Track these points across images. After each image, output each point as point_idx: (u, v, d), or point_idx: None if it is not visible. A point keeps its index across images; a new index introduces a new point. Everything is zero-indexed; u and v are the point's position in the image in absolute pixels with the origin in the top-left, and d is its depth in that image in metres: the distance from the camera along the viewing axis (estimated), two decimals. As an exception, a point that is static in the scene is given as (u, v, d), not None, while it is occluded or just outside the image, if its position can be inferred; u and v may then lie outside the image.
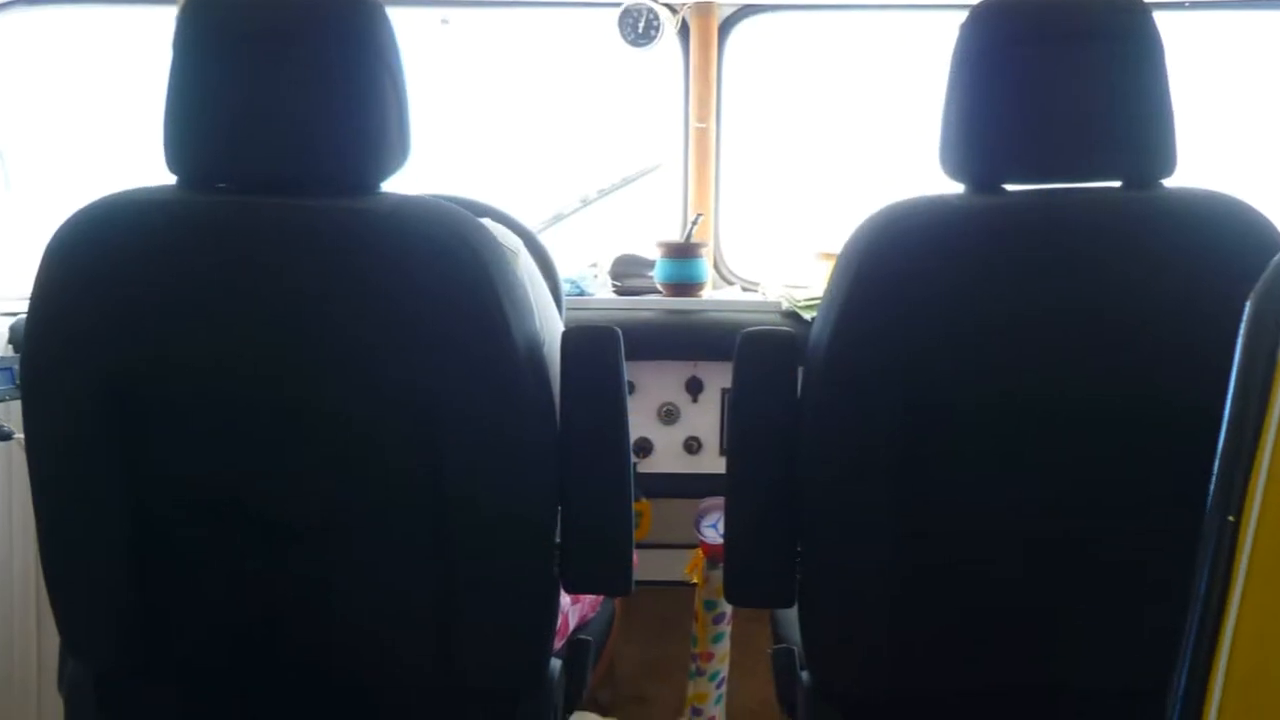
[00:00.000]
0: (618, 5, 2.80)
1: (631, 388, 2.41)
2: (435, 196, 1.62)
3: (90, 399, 1.57)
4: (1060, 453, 1.57)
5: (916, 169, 1.96)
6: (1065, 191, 1.62)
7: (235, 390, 1.58)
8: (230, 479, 1.61)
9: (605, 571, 1.73)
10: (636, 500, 2.10)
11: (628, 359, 1.69)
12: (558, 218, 2.87)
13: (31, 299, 1.59)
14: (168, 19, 1.67)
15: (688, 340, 2.47)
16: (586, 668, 1.95)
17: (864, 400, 1.57)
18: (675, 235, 2.90)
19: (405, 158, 1.61)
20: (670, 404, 2.48)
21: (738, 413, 1.71)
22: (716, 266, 3.03)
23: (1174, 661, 0.95)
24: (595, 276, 2.74)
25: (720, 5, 2.93)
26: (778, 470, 1.66)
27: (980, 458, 1.58)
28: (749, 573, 1.75)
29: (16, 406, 1.74)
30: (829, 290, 1.63)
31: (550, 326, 1.73)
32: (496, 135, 3.09)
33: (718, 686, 2.87)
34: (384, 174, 1.60)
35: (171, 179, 1.62)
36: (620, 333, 1.66)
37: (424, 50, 2.88)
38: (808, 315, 2.42)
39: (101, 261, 1.56)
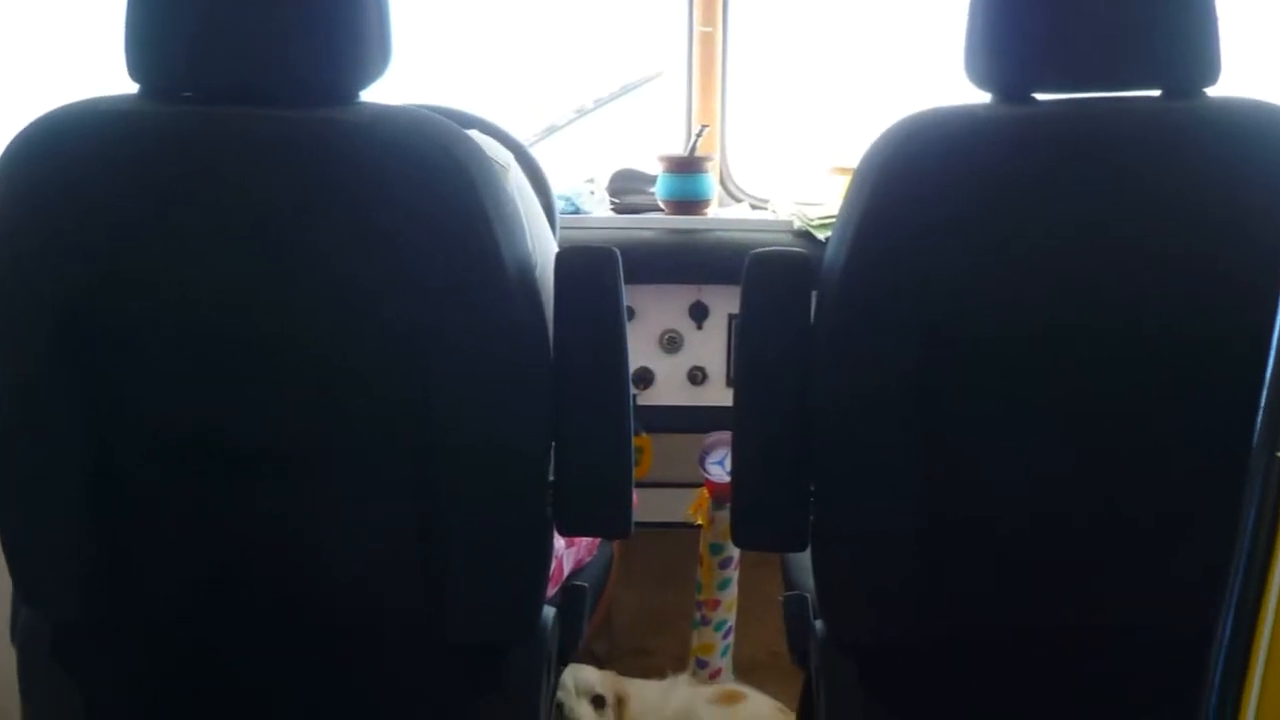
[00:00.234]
0: (616, -104, 2.78)
1: (631, 314, 2.41)
2: (419, 107, 1.62)
3: (45, 326, 1.56)
4: (1091, 384, 1.58)
5: (940, 77, 1.95)
6: (1100, 101, 1.61)
7: (201, 317, 1.57)
8: (198, 414, 1.61)
9: (602, 512, 1.74)
10: (636, 435, 2.10)
11: (627, 282, 1.69)
12: (551, 130, 2.85)
13: (-21, 215, 1.59)
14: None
15: (692, 262, 2.47)
16: (582, 617, 1.96)
17: (882, 326, 1.57)
18: (678, 149, 2.89)
19: (386, 64, 1.60)
20: (673, 331, 2.48)
21: (746, 340, 1.71)
22: (723, 182, 3.02)
23: (1216, 600, 0.97)
24: (592, 193, 2.73)
25: (728, -104, 2.91)
26: (789, 402, 1.67)
27: (1005, 389, 1.58)
28: (758, 513, 1.76)
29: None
30: (844, 208, 1.62)
31: (543, 247, 1.73)
32: (485, 40, 3.07)
33: (724, 637, 2.90)
34: (363, 82, 1.59)
35: (133, 87, 1.61)
36: (619, 254, 1.66)
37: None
38: (821, 235, 2.41)
39: (56, 175, 1.56)
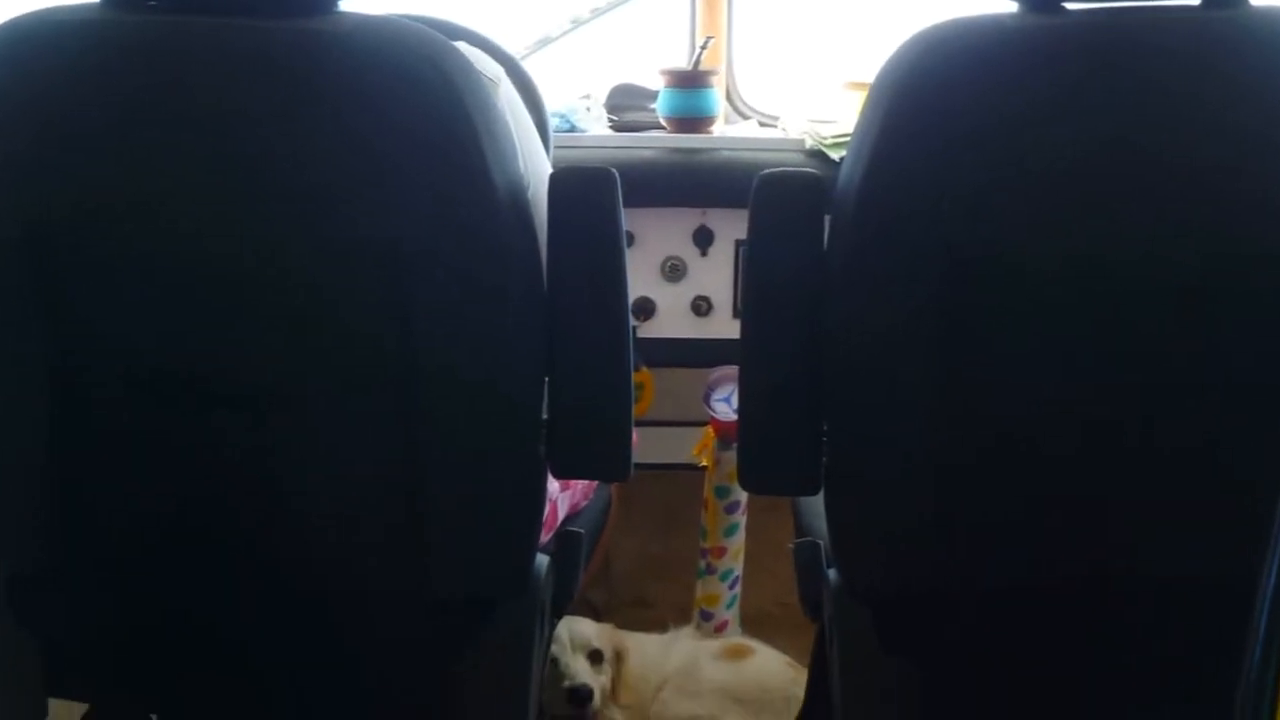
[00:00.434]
0: None
1: (630, 239, 2.40)
2: (402, 17, 1.61)
3: (1, 251, 1.57)
4: (1124, 318, 1.57)
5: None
6: (1134, 9, 1.59)
7: (168, 240, 1.56)
8: (164, 346, 1.61)
9: (600, 453, 1.74)
10: (636, 370, 2.10)
11: (626, 206, 1.68)
12: (544, 42, 2.84)
13: (-69, 134, 1.58)
14: None
15: (696, 184, 2.46)
16: (578, 565, 1.97)
17: (900, 251, 1.56)
18: (681, 62, 2.88)
19: (366, -31, 1.59)
20: (675, 258, 2.48)
21: (754, 267, 1.71)
22: (729, 98, 3.01)
23: (1259, 546, 0.96)
24: (588, 110, 2.72)
25: None
26: (801, 334, 1.66)
27: (1030, 318, 1.58)
28: (767, 454, 1.76)
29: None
30: (860, 125, 1.61)
31: (536, 168, 1.72)
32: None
33: (730, 587, 2.91)
34: (341, -12, 1.58)
35: (96, -4, 1.60)
36: (617, 175, 1.65)
37: None
38: (835, 155, 2.41)
39: (12, 89, 1.55)
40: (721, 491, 2.81)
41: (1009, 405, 1.60)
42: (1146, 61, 1.55)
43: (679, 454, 2.87)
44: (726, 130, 2.80)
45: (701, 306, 2.49)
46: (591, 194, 1.64)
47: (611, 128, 2.74)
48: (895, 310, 1.57)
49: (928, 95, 1.55)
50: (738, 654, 2.71)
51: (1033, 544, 1.67)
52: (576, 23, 2.85)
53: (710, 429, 2.73)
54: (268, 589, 1.72)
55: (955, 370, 1.58)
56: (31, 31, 1.56)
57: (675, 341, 2.52)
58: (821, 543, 1.89)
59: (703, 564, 2.92)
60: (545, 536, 1.95)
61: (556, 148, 2.36)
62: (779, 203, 1.68)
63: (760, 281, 1.70)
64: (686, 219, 2.47)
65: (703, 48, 2.71)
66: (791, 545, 1.98)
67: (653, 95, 2.70)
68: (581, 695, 2.47)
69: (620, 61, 2.89)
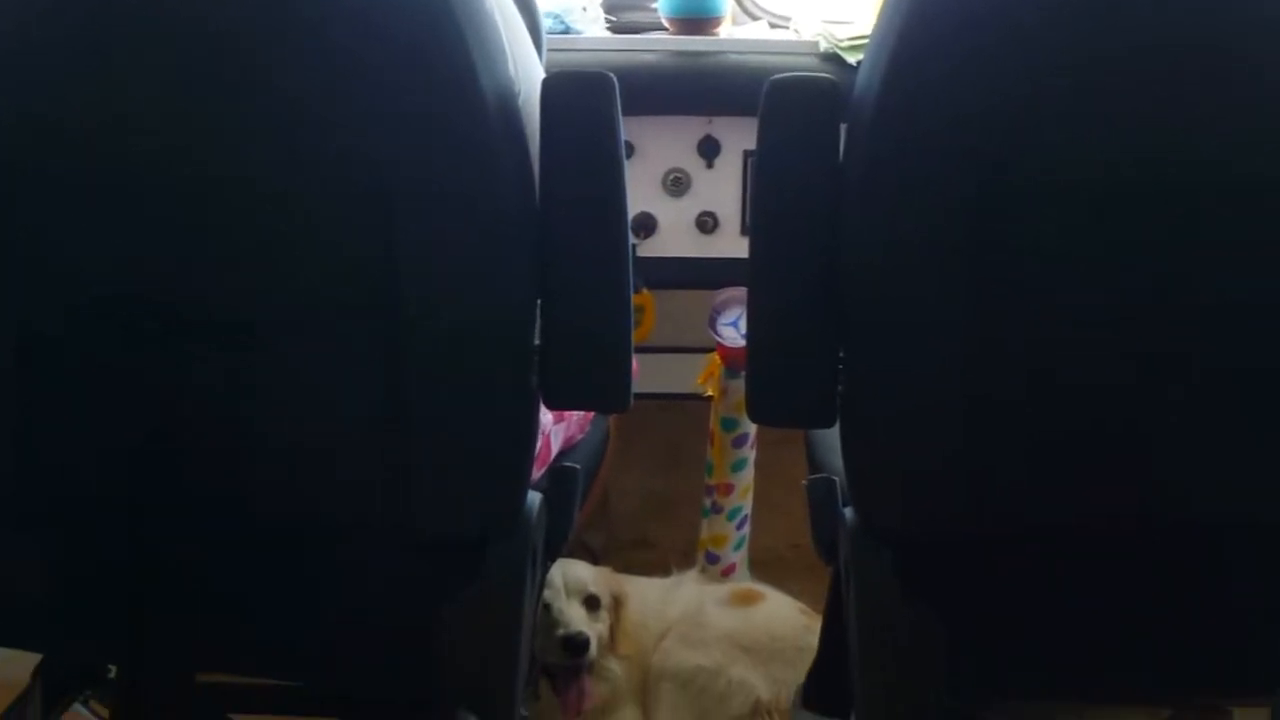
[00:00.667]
0: None
1: (630, 150, 2.40)
2: None
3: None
4: (1173, 240, 1.56)
5: None
6: None
7: (139, 159, 1.57)
8: (132, 271, 1.61)
9: (596, 382, 1.75)
10: (636, 292, 2.10)
11: (625, 114, 1.67)
12: (535, -66, 2.82)
13: None
14: None
15: (701, 90, 2.45)
16: (573, 503, 1.97)
17: (923, 167, 1.55)
18: (685, -46, 2.86)
19: None
20: (679, 171, 2.48)
21: (764, 180, 1.70)
22: (738, -4, 3.00)
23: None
24: (584, 9, 2.71)
25: None
26: (815, 252, 1.66)
27: (1070, 244, 1.57)
28: (778, 383, 1.76)
29: None
30: (877, 29, 1.60)
31: (527, 72, 1.72)
32: None
33: (738, 527, 2.92)
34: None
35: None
36: (615, 80, 1.65)
37: None
38: (852, 59, 2.40)
39: None
40: (728, 424, 2.82)
41: (1043, 333, 1.60)
42: None
43: (682, 383, 2.88)
44: (734, 32, 2.78)
45: (707, 223, 2.49)
46: (587, 101, 1.64)
47: (609, 29, 2.73)
48: (917, 228, 1.57)
49: None
50: (746, 600, 2.73)
51: (1070, 484, 1.67)
52: (571, -87, 2.83)
53: (716, 355, 2.73)
54: (240, 530, 1.73)
55: (984, 294, 1.57)
56: None
57: (678, 261, 2.52)
58: (837, 479, 1.90)
59: (708, 502, 2.93)
60: (537, 472, 1.96)
61: (550, 51, 2.35)
62: (791, 110, 1.67)
63: (770, 195, 1.70)
64: (690, 128, 2.46)
65: (708, -61, 2.69)
66: (804, 482, 1.98)
67: (654, -8, 2.69)
68: (576, 644, 2.47)
69: (618, -45, 2.86)
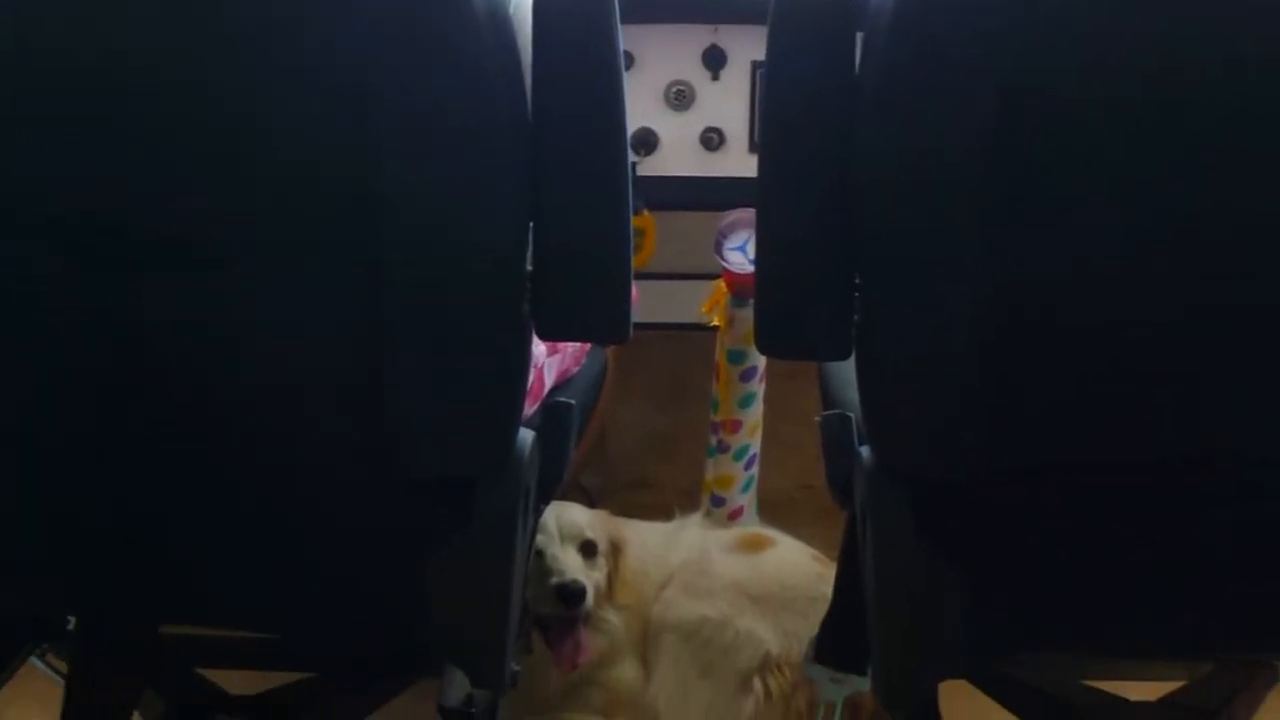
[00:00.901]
0: None
1: (629, 60, 2.40)
2: None
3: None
4: (1205, 160, 1.56)
5: None
6: None
7: (90, 73, 1.56)
8: (86, 192, 1.61)
9: (593, 311, 1.75)
10: (636, 213, 2.10)
11: (624, 21, 1.67)
12: None
13: None
14: None
15: (705, -6, 2.45)
16: (568, 441, 1.99)
17: (943, 79, 1.55)
18: None
19: None
20: (682, 83, 2.47)
21: (774, 93, 1.70)
22: (746, -110, 2.98)
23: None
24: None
25: None
26: (828, 171, 1.66)
27: (1105, 166, 1.57)
28: (788, 312, 1.76)
29: None
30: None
31: (518, -24, 1.72)
32: None
33: (746, 467, 2.93)
34: None
35: None
36: (613, -16, 1.65)
37: None
38: (871, -41, 2.39)
39: None
40: (735, 356, 2.82)
41: (1067, 263, 1.60)
42: None
43: (686, 312, 2.88)
44: (742, -71, 2.77)
45: (712, 139, 2.49)
46: (583, 7, 1.64)
47: (606, -74, 2.72)
48: (935, 145, 1.56)
49: None
50: (755, 545, 2.73)
51: (1097, 422, 1.67)
52: None
53: (722, 282, 2.73)
54: (208, 471, 1.74)
55: (1004, 219, 1.57)
56: None
57: (681, 180, 2.52)
58: (852, 416, 1.91)
59: (713, 440, 2.94)
60: (529, 409, 1.97)
61: (541, -50, 2.34)
62: (803, 17, 1.67)
63: (781, 109, 1.70)
64: (695, 37, 2.46)
65: None
66: (817, 418, 1.99)
67: (655, -114, 2.67)
68: (572, 593, 2.46)
69: None
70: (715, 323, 2.81)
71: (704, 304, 2.82)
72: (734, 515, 2.96)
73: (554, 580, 2.47)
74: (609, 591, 2.60)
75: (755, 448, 2.93)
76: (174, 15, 1.55)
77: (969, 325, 1.61)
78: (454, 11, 1.52)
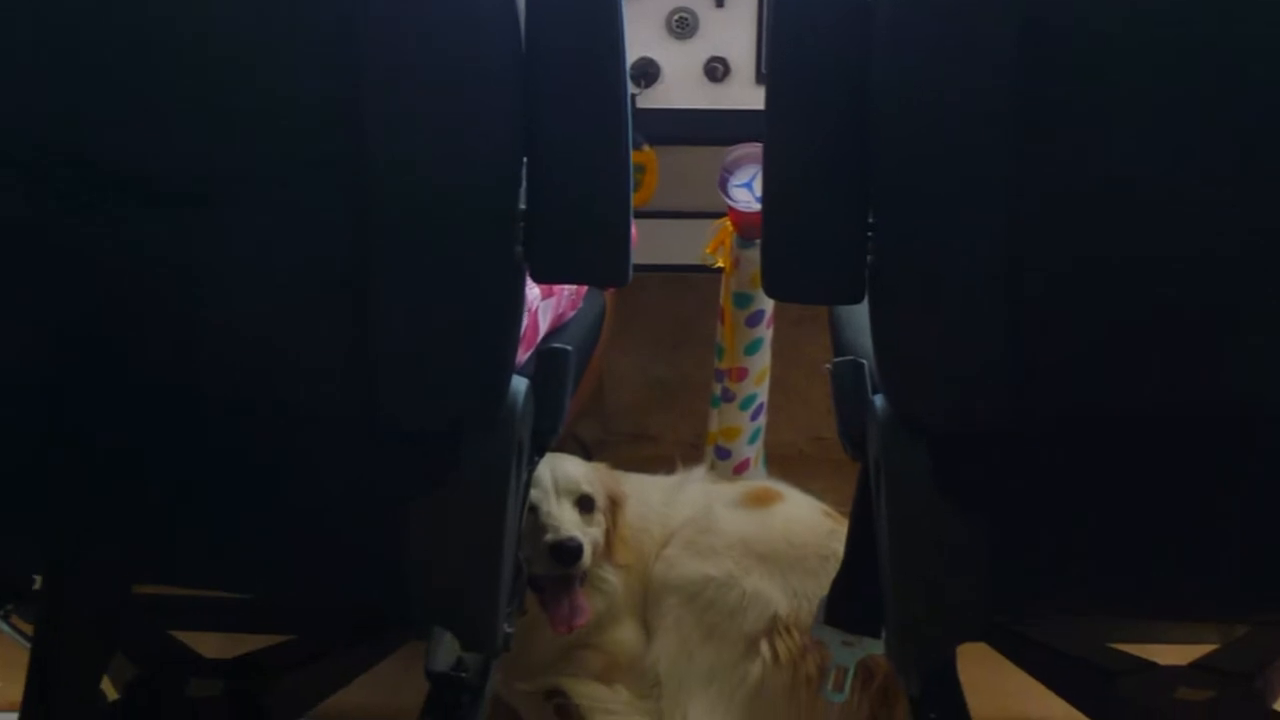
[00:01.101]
0: None
1: (628, -15, 2.40)
2: None
3: None
4: (1239, 83, 1.56)
5: None
6: None
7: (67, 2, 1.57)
8: (62, 124, 1.61)
9: (590, 252, 1.75)
10: (636, 149, 2.10)
11: (622, -60, 1.67)
12: None
13: None
14: None
15: (711, -87, 2.44)
16: (563, 390, 1.99)
17: (963, 7, 1.55)
18: None
19: None
20: (684, 10, 2.47)
21: (783, 20, 1.70)
22: None
23: None
24: None
25: None
26: (841, 102, 1.65)
27: (1142, 87, 1.57)
28: (798, 253, 1.76)
29: None
30: None
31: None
32: None
33: (753, 417, 2.94)
34: None
35: None
36: (611, -98, 1.65)
37: None
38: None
39: None
40: (741, 299, 2.82)
41: (1107, 193, 1.59)
42: None
43: (689, 253, 2.88)
44: None
45: (717, 70, 2.49)
46: (579, -74, 1.64)
47: None
48: (955, 77, 1.56)
49: None
50: (762, 500, 2.73)
51: (1133, 369, 1.67)
52: None
53: (727, 221, 2.73)
54: (184, 419, 1.74)
55: (1036, 149, 1.57)
56: None
57: (685, 113, 2.52)
58: (866, 363, 1.91)
59: (718, 389, 2.94)
60: (522, 355, 1.97)
61: None
62: (814, -63, 1.67)
63: (790, 37, 1.69)
64: (699, -42, 2.45)
65: None
66: (828, 366, 1.99)
67: None
68: (568, 551, 2.46)
69: None
70: (720, 264, 2.81)
71: (708, 244, 2.81)
72: (740, 469, 2.97)
73: (549, 538, 2.47)
74: (607, 550, 2.60)
75: (762, 397, 2.94)
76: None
77: (992, 264, 1.61)
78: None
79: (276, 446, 1.78)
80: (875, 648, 2.15)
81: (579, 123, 1.67)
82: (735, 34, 2.47)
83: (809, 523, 2.67)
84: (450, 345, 1.69)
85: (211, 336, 1.69)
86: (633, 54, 2.22)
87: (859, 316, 1.87)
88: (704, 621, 2.55)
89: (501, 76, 1.60)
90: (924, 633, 1.83)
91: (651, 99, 2.49)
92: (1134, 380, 1.68)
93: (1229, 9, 1.52)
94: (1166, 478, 1.74)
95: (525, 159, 1.66)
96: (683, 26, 2.47)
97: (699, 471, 2.89)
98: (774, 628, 2.51)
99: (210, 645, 2.17)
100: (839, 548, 2.25)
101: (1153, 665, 2.10)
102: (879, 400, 1.81)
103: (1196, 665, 2.13)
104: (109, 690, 2.12)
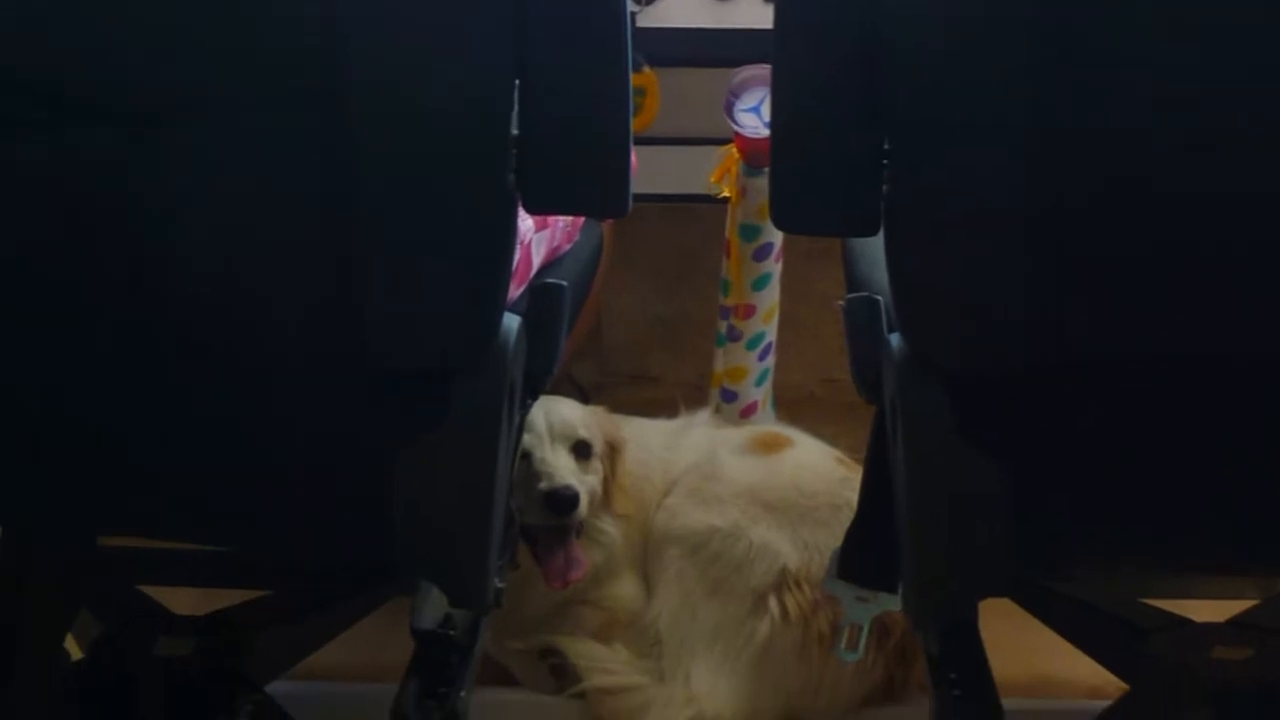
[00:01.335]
0: None
1: (627, -107, 2.39)
2: None
3: None
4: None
5: None
6: None
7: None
8: (36, 51, 1.62)
9: (587, 180, 1.75)
10: (636, 70, 2.09)
11: None
12: None
13: None
14: None
15: None
16: (559, 329, 1.98)
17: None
18: None
19: None
20: (688, -81, 2.47)
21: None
22: None
23: None
24: None
25: None
26: (854, 20, 1.65)
27: (1176, 21, 1.57)
28: (809, 181, 1.76)
29: None
30: None
31: None
32: None
33: (760, 357, 2.94)
34: None
35: None
36: None
37: None
38: None
39: None
40: (748, 231, 2.82)
41: (1140, 122, 1.59)
42: None
43: (693, 182, 2.88)
44: None
45: (722, -16, 2.48)
46: None
47: None
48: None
49: None
50: (770, 446, 2.74)
51: (1166, 306, 1.66)
52: None
53: (734, 148, 2.73)
54: (153, 360, 1.74)
55: (1066, 70, 1.57)
56: None
57: (688, 33, 2.52)
58: (881, 299, 1.91)
59: (724, 327, 2.95)
60: (515, 291, 1.97)
61: None
62: None
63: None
64: None
65: None
66: (841, 302, 1.99)
67: None
68: (563, 500, 2.47)
69: None
70: (725, 194, 2.81)
71: (713, 173, 2.81)
72: (747, 412, 2.97)
73: (543, 486, 2.47)
74: (605, 499, 2.61)
75: (771, 336, 2.94)
76: None
77: (1017, 194, 1.61)
78: None
79: (252, 390, 1.77)
80: (891, 603, 2.15)
81: (575, 42, 1.67)
82: (742, -56, 2.48)
83: (820, 470, 2.67)
84: (438, 280, 1.69)
85: (185, 270, 1.69)
86: (632, -32, 2.21)
87: (874, 249, 1.87)
88: (708, 575, 2.56)
89: (492, -10, 1.60)
90: (944, 587, 1.84)
91: (652, 17, 2.48)
92: (1168, 319, 1.67)
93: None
94: (1204, 422, 1.74)
95: (517, 81, 1.65)
96: (686, -62, 2.46)
97: (703, 415, 2.89)
98: (783, 582, 2.51)
99: (182, 601, 2.18)
100: (852, 496, 2.25)
101: (1187, 622, 2.11)
102: (895, 339, 1.81)
103: (1234, 622, 2.13)
104: (73, 649, 2.13)
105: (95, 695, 2.08)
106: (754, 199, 2.74)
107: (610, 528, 2.61)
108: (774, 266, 2.86)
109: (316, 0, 1.55)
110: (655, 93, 2.56)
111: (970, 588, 1.84)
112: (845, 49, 1.66)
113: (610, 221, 2.48)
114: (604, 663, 2.55)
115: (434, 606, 2.06)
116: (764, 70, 2.39)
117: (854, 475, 2.40)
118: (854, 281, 2.09)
